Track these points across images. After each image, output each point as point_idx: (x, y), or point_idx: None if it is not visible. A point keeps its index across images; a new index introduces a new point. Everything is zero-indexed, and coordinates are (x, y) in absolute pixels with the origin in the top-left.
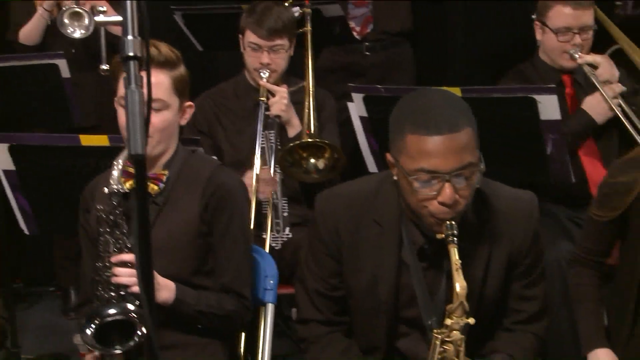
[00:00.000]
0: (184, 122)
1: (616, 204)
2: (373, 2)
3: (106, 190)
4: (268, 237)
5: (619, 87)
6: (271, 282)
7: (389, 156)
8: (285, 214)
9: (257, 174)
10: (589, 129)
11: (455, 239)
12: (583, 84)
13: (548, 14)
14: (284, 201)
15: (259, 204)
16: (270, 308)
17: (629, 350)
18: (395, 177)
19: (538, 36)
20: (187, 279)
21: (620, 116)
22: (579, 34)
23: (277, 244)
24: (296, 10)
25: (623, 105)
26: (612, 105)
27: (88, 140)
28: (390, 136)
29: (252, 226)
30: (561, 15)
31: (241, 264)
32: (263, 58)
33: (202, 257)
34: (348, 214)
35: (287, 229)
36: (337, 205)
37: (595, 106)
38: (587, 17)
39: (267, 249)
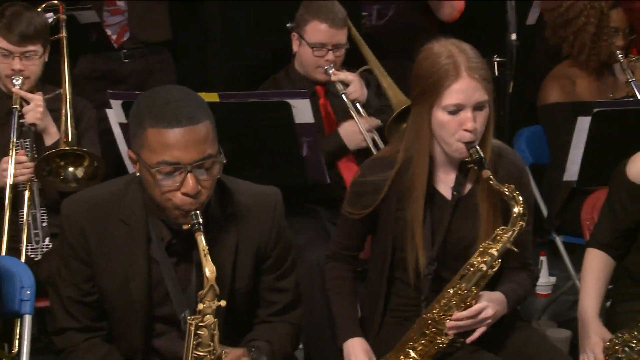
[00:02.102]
0: None
1: (366, 202)
2: (129, 11)
3: None
4: (24, 246)
5: (375, 122)
6: (27, 292)
7: (130, 152)
8: (44, 224)
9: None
10: (341, 152)
11: (201, 227)
12: (337, 95)
13: (305, 27)
14: (43, 211)
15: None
16: (27, 320)
17: (380, 338)
18: (137, 174)
19: (295, 47)
20: None
21: (371, 147)
22: (332, 50)
23: (36, 254)
24: (50, 16)
25: (376, 138)
26: (366, 138)
27: None
28: (130, 133)
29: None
30: (317, 31)
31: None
32: (15, 64)
33: None
34: (94, 216)
35: (47, 240)
36: (82, 208)
37: (350, 135)
38: (341, 36)
39: (22, 259)
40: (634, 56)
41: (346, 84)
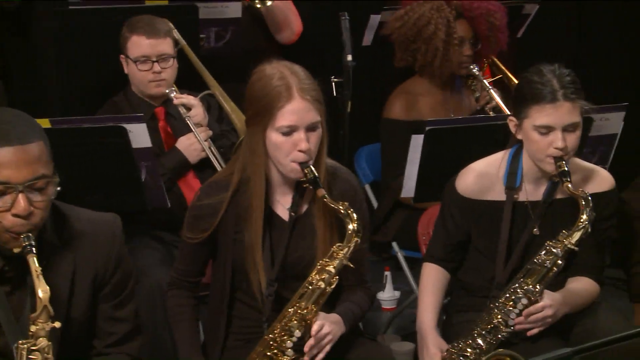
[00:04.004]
0: None
1: (205, 225)
2: None
3: None
4: None
5: (209, 131)
6: None
7: None
8: None
9: None
10: (183, 168)
11: (33, 248)
12: (176, 117)
13: (127, 45)
14: None
15: None
16: None
17: None
18: None
19: (125, 69)
20: None
21: (211, 157)
22: (157, 62)
23: None
24: None
25: (212, 148)
26: (204, 147)
27: None
28: None
29: None
30: (138, 45)
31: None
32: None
33: None
34: None
35: None
36: None
37: (188, 147)
38: (164, 46)
39: None
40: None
41: (188, 108)
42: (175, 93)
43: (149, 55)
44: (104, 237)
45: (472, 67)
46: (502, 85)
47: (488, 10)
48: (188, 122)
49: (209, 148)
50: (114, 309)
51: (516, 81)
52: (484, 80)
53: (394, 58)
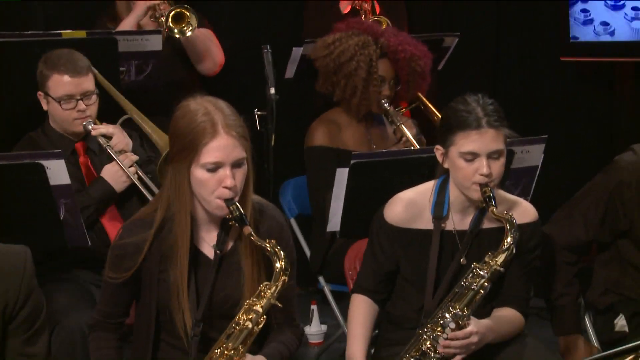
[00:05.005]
0: None
1: (128, 264)
2: None
3: None
4: None
5: (134, 157)
6: None
7: None
8: None
9: None
10: (109, 197)
11: None
12: (97, 151)
13: (48, 83)
14: None
15: None
16: None
17: None
18: None
19: (44, 106)
20: None
21: (137, 183)
22: (81, 100)
23: None
24: None
25: (139, 172)
26: (129, 174)
27: None
28: None
29: None
30: (60, 84)
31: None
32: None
33: None
34: None
35: None
36: None
37: (114, 174)
38: (87, 83)
39: None
40: (401, 107)
41: (109, 137)
42: (92, 124)
43: (73, 94)
44: (13, 269)
45: (383, 102)
46: (421, 114)
47: (412, 55)
48: (109, 151)
49: (135, 173)
50: (24, 344)
51: (438, 114)
52: (396, 116)
53: (316, 82)
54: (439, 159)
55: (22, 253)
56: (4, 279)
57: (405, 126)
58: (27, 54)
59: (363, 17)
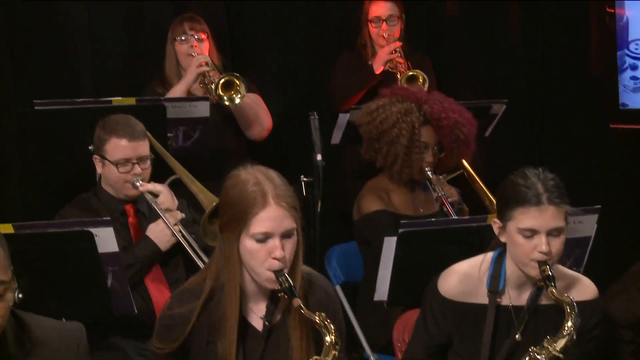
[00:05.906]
0: None
1: (175, 335)
2: None
3: None
4: None
5: (179, 215)
6: None
7: None
8: None
9: None
10: (155, 256)
11: None
12: (146, 213)
13: (105, 147)
14: None
15: None
16: None
17: None
18: None
19: (99, 169)
20: None
21: (182, 242)
22: (137, 164)
23: None
24: None
25: (183, 231)
26: (174, 232)
27: None
28: None
29: None
30: (118, 147)
31: None
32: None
33: None
34: None
35: None
36: None
37: (159, 233)
38: (143, 147)
39: None
40: (443, 176)
41: (156, 195)
42: (140, 181)
43: (130, 157)
44: (67, 348)
45: (427, 169)
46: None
47: (456, 122)
48: (155, 207)
49: (180, 232)
50: None
51: (481, 182)
52: (439, 184)
53: (361, 148)
54: (496, 231)
55: (76, 331)
56: (58, 358)
57: (447, 195)
58: (79, 122)
59: (398, 76)
